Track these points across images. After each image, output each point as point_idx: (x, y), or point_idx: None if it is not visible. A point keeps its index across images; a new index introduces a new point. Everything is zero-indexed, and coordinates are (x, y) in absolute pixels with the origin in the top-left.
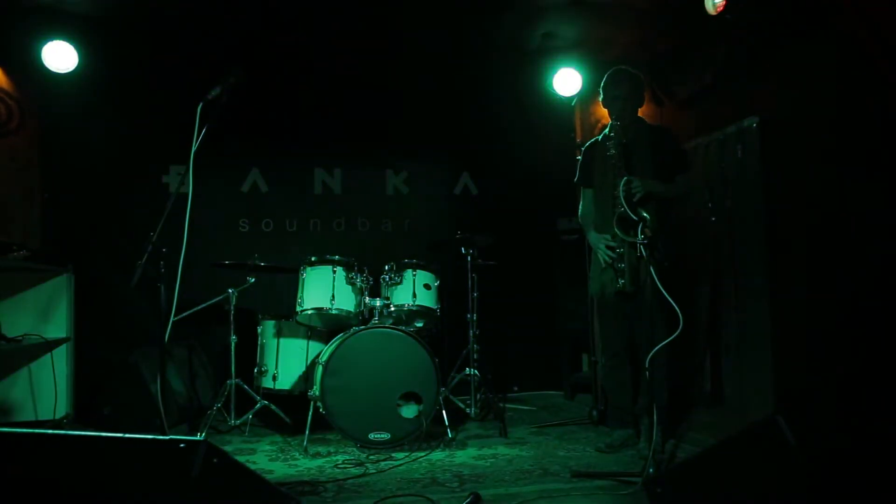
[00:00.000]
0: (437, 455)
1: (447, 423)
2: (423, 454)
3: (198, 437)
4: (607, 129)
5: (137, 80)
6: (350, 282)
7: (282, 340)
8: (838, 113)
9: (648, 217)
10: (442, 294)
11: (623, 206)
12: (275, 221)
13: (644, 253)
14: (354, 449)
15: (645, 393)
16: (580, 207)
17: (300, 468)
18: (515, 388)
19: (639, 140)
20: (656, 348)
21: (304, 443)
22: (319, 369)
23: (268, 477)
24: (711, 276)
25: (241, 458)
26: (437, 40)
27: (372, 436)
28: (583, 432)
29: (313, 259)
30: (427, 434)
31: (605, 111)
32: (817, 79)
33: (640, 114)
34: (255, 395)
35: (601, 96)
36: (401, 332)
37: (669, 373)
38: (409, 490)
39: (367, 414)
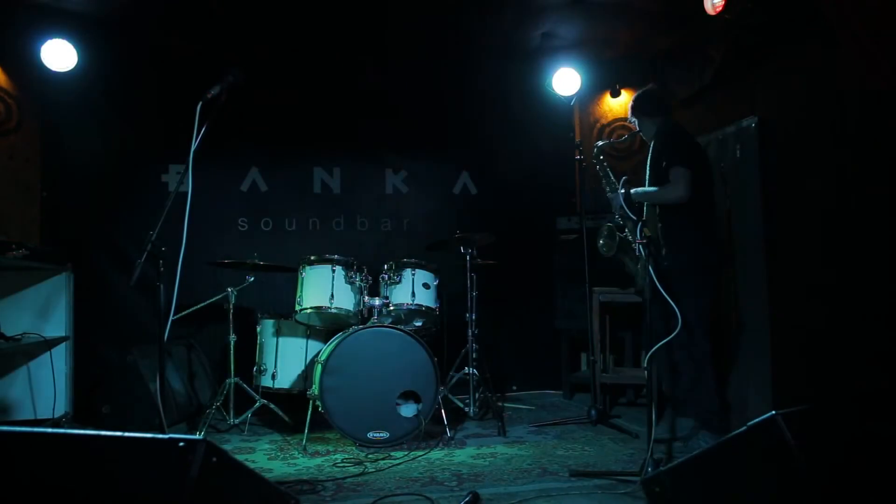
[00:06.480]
0: (436, 454)
1: (446, 423)
2: (421, 453)
3: (197, 436)
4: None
5: (137, 79)
6: (349, 281)
7: (281, 339)
8: (838, 113)
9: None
10: (441, 293)
11: (624, 209)
12: (274, 220)
13: (643, 252)
14: (353, 448)
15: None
16: None
17: (299, 467)
18: (514, 388)
19: (651, 150)
20: (655, 347)
21: (304, 442)
22: (318, 368)
23: (267, 476)
24: None
25: (240, 457)
26: (436, 39)
27: (371, 435)
28: (581, 431)
29: (312, 258)
30: (426, 433)
31: (604, 111)
32: (817, 79)
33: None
34: (254, 394)
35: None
36: (400, 332)
37: (677, 365)
38: (408, 489)
39: (366, 413)
